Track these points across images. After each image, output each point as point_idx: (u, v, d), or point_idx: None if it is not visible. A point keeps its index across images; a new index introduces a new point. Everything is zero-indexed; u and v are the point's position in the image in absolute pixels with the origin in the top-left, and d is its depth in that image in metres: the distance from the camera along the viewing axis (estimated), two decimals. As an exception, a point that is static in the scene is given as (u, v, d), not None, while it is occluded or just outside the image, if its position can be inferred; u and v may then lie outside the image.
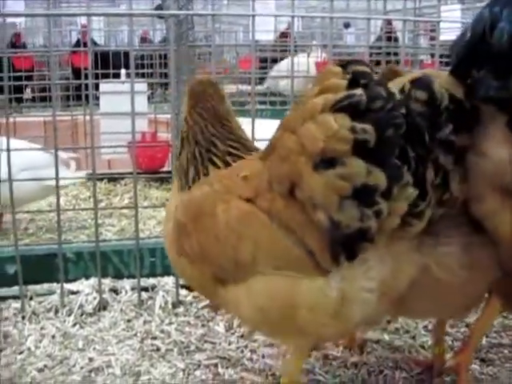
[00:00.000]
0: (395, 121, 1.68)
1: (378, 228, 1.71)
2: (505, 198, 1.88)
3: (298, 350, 2.06)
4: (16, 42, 9.36)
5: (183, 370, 2.45)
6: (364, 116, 1.67)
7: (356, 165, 1.66)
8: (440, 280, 1.99)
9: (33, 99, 9.20)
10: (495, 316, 2.31)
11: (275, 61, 7.85)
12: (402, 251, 1.83)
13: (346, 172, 1.67)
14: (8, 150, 2.87)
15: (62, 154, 4.38)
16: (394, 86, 1.83)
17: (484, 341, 2.61)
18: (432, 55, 7.59)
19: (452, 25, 5.14)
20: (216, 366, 2.48)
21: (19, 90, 8.01)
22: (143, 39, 11.32)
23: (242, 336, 2.70)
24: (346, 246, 1.73)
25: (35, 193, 4.08)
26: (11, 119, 5.43)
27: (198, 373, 2.43)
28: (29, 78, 7.90)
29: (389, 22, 8.26)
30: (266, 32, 8.36)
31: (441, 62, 3.42)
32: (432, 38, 7.99)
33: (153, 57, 7.64)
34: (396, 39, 8.05)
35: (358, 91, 1.68)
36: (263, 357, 2.53)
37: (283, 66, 8.59)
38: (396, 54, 7.09)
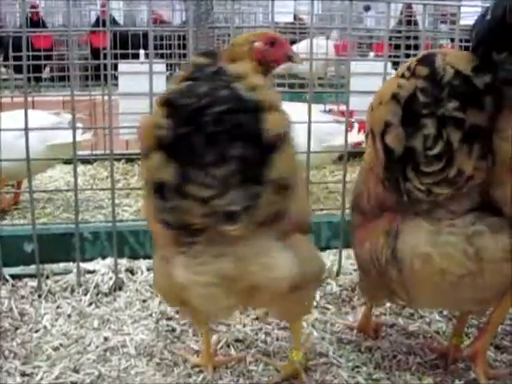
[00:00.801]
0: (195, 118, 1.70)
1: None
2: None
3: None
4: (33, 19, 9.33)
5: (197, 352, 2.46)
6: (173, 112, 1.72)
7: (154, 159, 1.73)
8: (444, 270, 1.98)
9: (51, 79, 9.20)
10: None
11: (294, 43, 7.80)
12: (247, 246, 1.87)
13: (149, 165, 1.76)
14: (26, 129, 2.88)
15: (67, 116, 4.35)
16: None
17: (499, 328, 2.60)
18: (452, 40, 7.52)
19: (472, 9, 5.10)
20: (229, 346, 2.49)
21: (38, 69, 8.03)
22: (155, 21, 11.21)
23: (256, 318, 2.70)
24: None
25: (40, 154, 3.92)
26: (30, 98, 5.46)
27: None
28: (48, 58, 7.90)
29: (409, 6, 8.21)
30: (285, 14, 8.33)
31: (461, 47, 3.38)
32: (452, 23, 7.93)
33: (172, 37, 7.62)
34: (416, 23, 7.99)
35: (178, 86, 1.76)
36: (277, 339, 2.54)
37: (301, 47, 8.55)
38: (416, 38, 7.05)
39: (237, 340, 2.54)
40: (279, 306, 2.13)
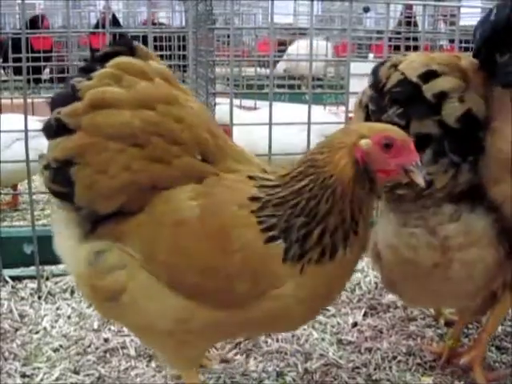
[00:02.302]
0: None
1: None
2: None
3: None
4: (36, 23, 9.34)
5: (197, 353, 2.46)
6: None
7: None
8: (411, 261, 2.01)
9: (51, 80, 9.20)
10: (508, 307, 2.29)
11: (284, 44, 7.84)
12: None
13: None
14: (26, 131, 2.88)
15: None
16: None
17: (499, 329, 2.60)
18: (451, 41, 7.52)
19: (472, 10, 5.10)
20: (229, 350, 2.49)
21: (38, 70, 8.02)
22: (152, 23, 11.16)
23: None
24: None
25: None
26: (29, 100, 5.45)
27: (211, 353, 2.44)
28: (47, 59, 7.89)
29: (409, 7, 8.20)
30: (285, 15, 8.33)
31: (460, 48, 3.39)
32: (452, 24, 7.93)
33: (171, 39, 7.61)
34: (416, 24, 7.99)
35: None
36: (277, 340, 2.54)
37: (294, 48, 8.56)
38: (416, 39, 7.04)
39: (238, 342, 2.54)
40: None
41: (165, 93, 1.81)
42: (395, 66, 1.98)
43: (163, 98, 1.79)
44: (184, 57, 6.92)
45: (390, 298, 2.88)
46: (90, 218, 1.79)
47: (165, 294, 1.72)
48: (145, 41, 2.96)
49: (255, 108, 5.55)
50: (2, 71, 8.94)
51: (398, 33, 7.23)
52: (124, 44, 1.86)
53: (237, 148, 1.89)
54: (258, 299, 1.68)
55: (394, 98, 1.94)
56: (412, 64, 1.96)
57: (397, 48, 6.81)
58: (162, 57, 7.38)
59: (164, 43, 7.52)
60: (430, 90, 1.90)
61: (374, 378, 2.31)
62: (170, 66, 8.10)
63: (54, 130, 1.80)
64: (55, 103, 1.83)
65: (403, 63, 1.97)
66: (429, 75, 1.92)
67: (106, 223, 1.78)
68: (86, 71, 1.83)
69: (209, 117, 1.94)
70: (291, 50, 8.88)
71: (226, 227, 1.68)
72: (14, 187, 4.57)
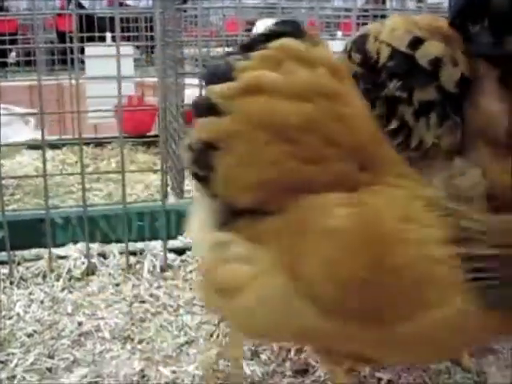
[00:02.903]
0: None
1: None
2: (496, 152, 1.91)
3: None
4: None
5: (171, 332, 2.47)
6: None
7: None
8: None
9: (17, 63, 9.10)
10: None
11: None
12: None
13: None
14: (-7, 115, 2.85)
15: (17, 110, 4.29)
16: None
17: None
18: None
19: (440, -14, 5.11)
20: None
21: (3, 54, 7.93)
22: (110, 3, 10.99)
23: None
24: None
25: None
26: (-4, 84, 5.40)
27: (187, 335, 2.45)
28: (13, 42, 7.80)
29: (377, -16, 8.21)
30: (252, -6, 8.29)
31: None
32: (420, 1, 7.95)
33: (138, 20, 7.56)
34: (384, 2, 8.00)
35: None
36: (251, 320, 2.55)
37: (260, 28, 8.51)
38: (383, 16, 7.04)
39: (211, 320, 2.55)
40: None
41: (326, 86, 1.60)
42: (376, 38, 1.95)
43: (324, 92, 1.59)
44: (152, 38, 6.88)
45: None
46: (224, 208, 1.64)
47: (296, 304, 1.55)
48: (112, 22, 2.93)
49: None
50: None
51: (366, 10, 7.22)
52: (291, 25, 1.66)
53: (402, 160, 1.69)
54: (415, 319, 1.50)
55: (392, 72, 1.92)
56: (396, 33, 1.94)
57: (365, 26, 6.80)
58: (129, 38, 7.35)
59: (131, 24, 7.46)
60: (423, 57, 1.90)
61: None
62: (137, 47, 8.06)
63: (204, 107, 1.63)
64: (209, 78, 1.65)
65: (385, 34, 1.94)
66: (416, 42, 1.90)
67: (240, 217, 1.61)
68: (246, 49, 1.65)
69: (372, 120, 1.70)
70: (258, 29, 8.85)
71: (387, 240, 1.50)
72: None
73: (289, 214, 1.56)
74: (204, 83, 1.67)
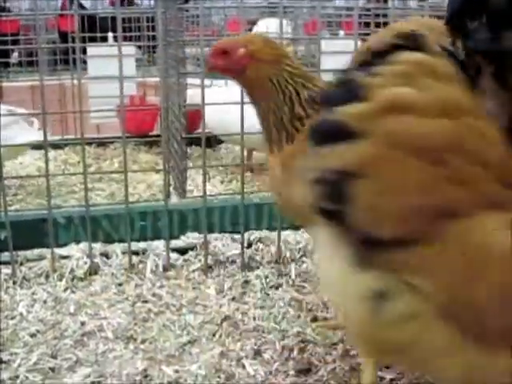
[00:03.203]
0: None
1: None
2: None
3: None
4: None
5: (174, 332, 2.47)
6: None
7: None
8: None
9: (19, 64, 9.10)
10: None
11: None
12: None
13: None
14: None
15: (21, 111, 4.27)
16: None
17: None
18: (422, 17, 7.53)
19: (441, -15, 5.10)
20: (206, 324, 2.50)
21: (5, 54, 7.93)
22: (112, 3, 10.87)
23: (233, 298, 2.72)
24: None
25: None
26: (-2, 84, 5.40)
27: (190, 334, 2.45)
28: (15, 42, 7.81)
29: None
30: (254, -6, 8.29)
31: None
32: (421, 0, 7.94)
33: (140, 20, 7.56)
34: (386, 1, 7.99)
35: None
36: (254, 319, 2.55)
37: (263, 27, 8.51)
38: (385, 15, 7.05)
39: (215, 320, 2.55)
40: None
41: (463, 100, 1.48)
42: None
43: (462, 107, 1.47)
44: (154, 37, 6.88)
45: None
46: (364, 242, 1.48)
47: (467, 347, 1.43)
48: (114, 22, 2.93)
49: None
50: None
51: (368, 9, 7.23)
52: (409, 37, 1.56)
53: None
54: None
55: None
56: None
57: (367, 25, 6.81)
58: (130, 38, 7.35)
59: (133, 24, 7.47)
60: None
61: (351, 353, 2.33)
62: (139, 47, 8.05)
63: (335, 132, 1.47)
64: (330, 100, 1.51)
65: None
66: None
67: (382, 249, 1.46)
68: (365, 66, 1.53)
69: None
70: (260, 29, 8.85)
71: None
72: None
73: (441, 241, 1.41)
74: (327, 104, 1.51)
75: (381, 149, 1.41)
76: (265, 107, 2.36)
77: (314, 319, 2.56)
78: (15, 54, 9.26)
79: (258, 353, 2.32)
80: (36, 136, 4.32)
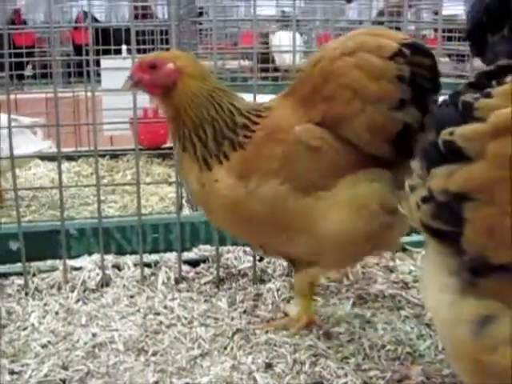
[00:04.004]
0: None
1: None
2: None
3: None
4: (16, 19, 9.31)
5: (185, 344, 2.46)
6: None
7: None
8: None
9: (34, 76, 9.16)
10: None
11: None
12: None
13: None
14: (9, 127, 2.87)
15: (26, 120, 4.28)
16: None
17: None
18: (435, 30, 7.53)
19: (455, -1, 5.10)
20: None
21: (20, 66, 7.98)
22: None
23: (244, 311, 2.71)
24: None
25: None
26: (12, 96, 5.43)
27: (201, 347, 2.44)
28: (30, 55, 7.86)
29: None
30: (267, 7, 8.31)
31: (443, 37, 3.39)
32: (435, 13, 7.94)
33: (154, 32, 7.60)
34: (399, 14, 8.00)
35: None
36: (266, 332, 2.54)
37: (276, 40, 8.54)
38: (398, 28, 7.05)
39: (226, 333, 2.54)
40: None
41: None
42: None
43: None
44: (167, 50, 6.91)
45: (377, 287, 2.89)
46: (473, 266, 1.46)
47: None
48: (128, 34, 2.95)
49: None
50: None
51: (381, 23, 7.23)
52: None
53: None
54: None
55: None
56: None
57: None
58: (144, 51, 7.39)
59: (147, 37, 7.50)
60: None
61: (363, 367, 2.32)
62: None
63: (441, 153, 1.47)
64: (442, 121, 1.51)
65: None
66: None
67: (490, 275, 1.44)
68: (476, 87, 1.53)
69: None
70: (274, 42, 8.88)
71: None
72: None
73: None
74: (438, 124, 1.51)
75: (497, 171, 1.38)
76: (197, 123, 2.37)
77: (327, 335, 2.54)
78: (29, 67, 9.32)
79: (269, 366, 2.31)
80: (39, 146, 4.34)
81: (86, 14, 7.64)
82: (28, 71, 9.48)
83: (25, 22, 9.77)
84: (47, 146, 4.46)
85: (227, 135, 2.36)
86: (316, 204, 2.27)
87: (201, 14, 6.69)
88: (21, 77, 8.86)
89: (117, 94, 4.60)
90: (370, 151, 2.26)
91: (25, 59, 7.60)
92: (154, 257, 3.15)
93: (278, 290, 2.87)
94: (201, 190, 2.41)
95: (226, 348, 2.44)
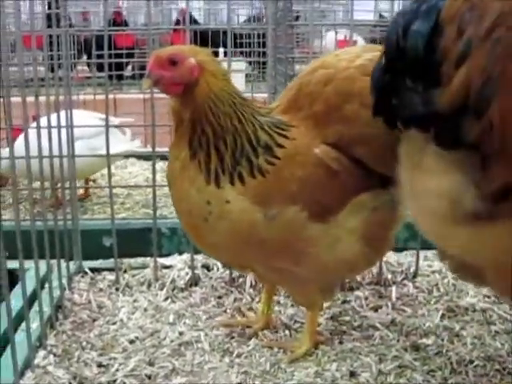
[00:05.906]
0: None
1: None
2: None
3: None
4: (116, 20, 9.53)
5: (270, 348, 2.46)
6: None
7: None
8: None
9: (133, 77, 9.36)
10: None
11: (374, 41, 7.70)
12: None
13: None
14: (106, 126, 2.94)
15: (114, 120, 4.37)
16: None
17: None
18: None
19: None
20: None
21: (120, 67, 8.17)
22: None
23: (331, 318, 2.68)
24: None
25: (87, 162, 3.99)
26: (111, 96, 5.56)
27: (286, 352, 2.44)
28: (129, 56, 8.04)
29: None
30: (366, 12, 8.25)
31: None
32: None
33: (251, 35, 7.65)
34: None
35: None
36: (352, 340, 2.51)
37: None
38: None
39: (310, 339, 2.53)
40: None
41: None
42: None
43: None
44: (264, 54, 6.95)
45: (468, 300, 2.81)
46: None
47: None
48: (225, 37, 2.97)
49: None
50: (87, 67, 9.16)
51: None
52: None
53: None
54: None
55: None
56: None
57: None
58: (241, 53, 7.45)
59: (244, 40, 7.56)
60: None
61: (449, 381, 2.26)
62: (249, 63, 8.13)
63: None
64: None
65: None
66: None
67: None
68: None
69: None
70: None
71: None
72: (86, 181, 4.69)
73: None
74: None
75: None
76: (219, 133, 2.11)
77: (415, 348, 2.48)
78: (129, 67, 9.53)
79: (353, 374, 2.28)
80: (127, 146, 4.43)
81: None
82: (127, 72, 9.70)
83: (126, 23, 10.00)
84: (136, 146, 4.56)
85: (246, 153, 2.11)
86: (328, 229, 2.17)
87: (297, 17, 6.67)
88: (120, 77, 9.07)
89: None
90: (380, 171, 2.18)
91: (124, 60, 7.79)
92: (242, 259, 3.16)
93: (365, 298, 2.84)
94: (202, 206, 2.16)
95: (310, 354, 2.43)
